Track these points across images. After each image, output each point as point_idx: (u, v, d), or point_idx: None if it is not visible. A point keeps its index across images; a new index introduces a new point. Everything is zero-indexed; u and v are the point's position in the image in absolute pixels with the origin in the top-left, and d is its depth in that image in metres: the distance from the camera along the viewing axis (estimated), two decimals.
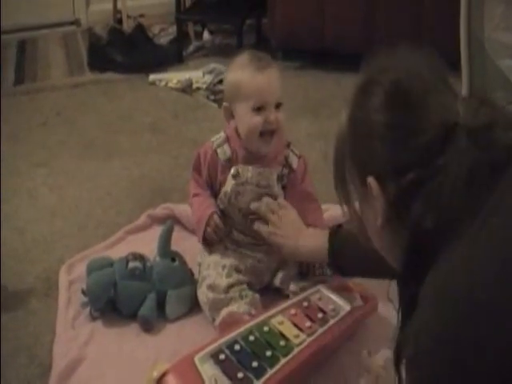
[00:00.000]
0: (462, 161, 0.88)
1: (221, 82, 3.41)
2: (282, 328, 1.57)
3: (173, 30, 4.04)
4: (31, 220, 2.27)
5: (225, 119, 1.81)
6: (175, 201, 2.29)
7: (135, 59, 3.67)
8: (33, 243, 2.13)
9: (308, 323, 1.59)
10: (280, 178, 1.80)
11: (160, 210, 2.22)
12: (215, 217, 1.78)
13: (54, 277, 1.95)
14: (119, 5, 4.21)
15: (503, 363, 0.77)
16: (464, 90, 2.32)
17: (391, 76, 0.97)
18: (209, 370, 1.42)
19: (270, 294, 1.80)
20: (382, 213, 0.96)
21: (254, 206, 1.77)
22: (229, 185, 1.77)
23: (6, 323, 1.78)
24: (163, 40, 4.08)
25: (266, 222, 1.77)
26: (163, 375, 1.39)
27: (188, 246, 1.98)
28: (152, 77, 3.55)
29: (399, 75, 0.97)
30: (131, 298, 1.76)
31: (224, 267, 1.76)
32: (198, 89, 3.39)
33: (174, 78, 3.50)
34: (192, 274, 1.85)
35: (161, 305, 1.76)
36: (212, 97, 3.30)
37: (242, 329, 1.54)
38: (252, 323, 1.57)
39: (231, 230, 1.83)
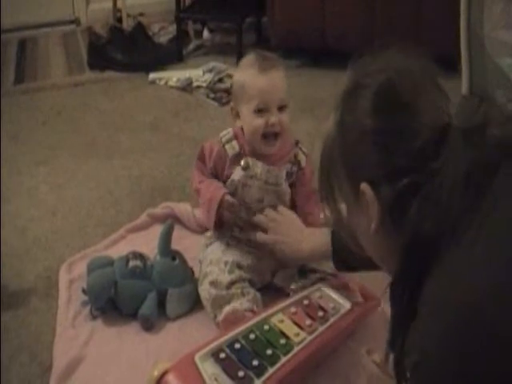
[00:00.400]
0: (457, 163, 0.87)
1: (221, 80, 3.42)
2: (282, 326, 1.57)
3: (173, 28, 4.03)
4: (32, 219, 2.27)
5: (232, 118, 1.82)
6: (175, 199, 2.29)
7: (135, 58, 3.68)
8: (33, 242, 2.13)
9: (308, 321, 1.59)
10: (289, 175, 1.81)
11: (160, 209, 2.22)
12: (228, 196, 1.76)
13: (54, 276, 1.95)
14: (119, 3, 4.21)
15: (509, 368, 0.77)
16: (464, 89, 2.32)
17: (379, 78, 0.95)
18: (209, 369, 1.42)
19: (270, 292, 1.80)
20: (376, 218, 0.95)
21: (256, 219, 1.78)
22: (237, 174, 1.77)
23: (7, 322, 1.78)
24: (163, 39, 4.08)
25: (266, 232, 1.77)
26: (164, 374, 1.39)
27: (188, 244, 1.99)
28: (152, 75, 3.55)
29: (388, 77, 0.94)
30: (132, 297, 1.76)
31: (226, 263, 1.76)
32: (198, 87, 3.39)
33: (173, 76, 3.50)
34: (192, 273, 1.85)
35: (161, 304, 1.76)
36: (212, 95, 3.30)
37: (242, 327, 1.55)
38: (252, 322, 1.57)
39: (232, 228, 1.83)
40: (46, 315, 1.81)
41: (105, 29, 4.09)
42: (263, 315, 1.60)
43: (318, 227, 1.77)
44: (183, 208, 2.17)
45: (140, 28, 3.87)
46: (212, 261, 1.79)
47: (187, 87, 3.40)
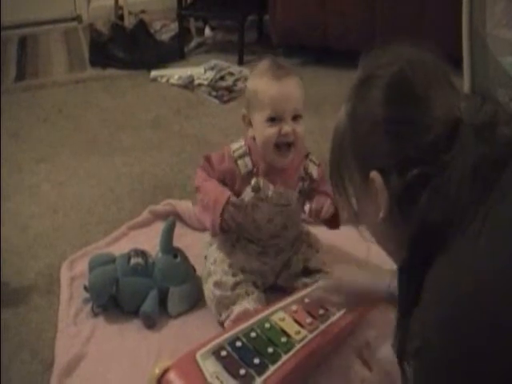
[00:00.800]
0: (467, 157, 0.88)
1: (222, 78, 3.42)
2: (283, 324, 1.57)
3: (174, 26, 4.03)
4: (33, 216, 2.27)
5: (244, 127, 1.76)
6: (177, 197, 2.29)
7: (137, 55, 3.67)
8: (34, 239, 2.13)
9: (309, 319, 1.59)
10: (302, 192, 1.77)
11: (162, 207, 2.22)
12: (234, 198, 1.69)
13: (55, 273, 1.95)
14: (120, 1, 4.21)
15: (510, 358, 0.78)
16: (466, 87, 2.32)
17: (392, 69, 0.96)
18: (210, 367, 1.42)
19: (274, 293, 1.79)
20: (385, 207, 0.96)
21: (312, 296, 1.61)
22: (247, 195, 1.73)
23: (8, 319, 1.78)
24: (165, 36, 4.07)
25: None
26: (165, 372, 1.39)
27: (190, 242, 1.99)
28: (153, 73, 3.55)
29: (400, 68, 0.95)
30: (133, 295, 1.76)
31: (230, 266, 1.75)
32: (200, 85, 3.38)
33: (175, 74, 3.50)
34: (194, 271, 1.85)
35: (163, 301, 1.77)
36: (214, 93, 3.29)
37: (243, 325, 1.55)
38: (253, 320, 1.57)
39: (240, 238, 1.80)
40: (47, 312, 1.81)
41: (106, 26, 4.09)
42: (264, 313, 1.60)
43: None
44: (185, 205, 2.17)
45: (142, 25, 3.87)
46: (216, 260, 1.78)
47: (189, 85, 3.40)
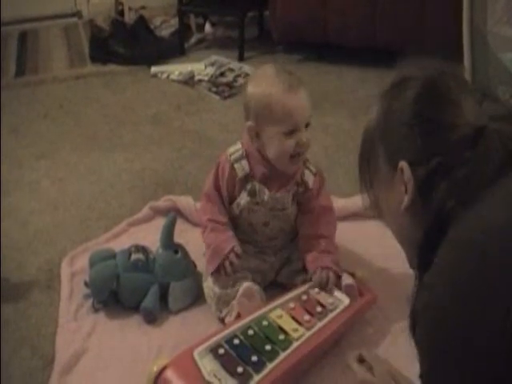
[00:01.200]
0: (489, 158, 0.96)
1: (222, 74, 3.42)
2: (280, 322, 1.57)
3: (174, 22, 4.04)
4: (33, 212, 2.27)
5: (247, 138, 1.72)
6: (177, 193, 2.29)
7: (137, 51, 3.68)
8: (35, 235, 2.14)
9: (307, 317, 1.60)
10: (295, 195, 1.76)
11: (162, 202, 2.22)
12: (237, 248, 1.70)
13: (56, 269, 1.95)
14: None
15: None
16: None
17: (427, 72, 1.05)
18: (208, 365, 1.43)
19: (274, 289, 1.79)
20: (410, 195, 1.03)
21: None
22: (243, 198, 1.73)
23: (8, 315, 1.78)
24: (165, 32, 4.08)
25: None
26: (163, 370, 1.40)
27: (191, 237, 1.98)
28: (154, 69, 3.55)
29: (435, 73, 1.05)
30: (134, 290, 1.76)
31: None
32: (200, 81, 3.39)
33: (175, 70, 3.50)
34: (195, 266, 1.85)
35: (163, 297, 1.77)
36: (214, 89, 3.30)
37: (240, 323, 1.55)
38: (251, 317, 1.57)
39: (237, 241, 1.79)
40: (48, 308, 1.81)
41: (107, 22, 4.08)
42: (262, 311, 1.60)
43: (330, 238, 1.76)
44: (185, 201, 2.17)
45: (142, 21, 3.87)
46: None
47: (189, 81, 3.40)
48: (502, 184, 0.94)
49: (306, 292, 1.68)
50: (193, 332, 1.66)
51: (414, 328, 0.96)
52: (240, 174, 1.72)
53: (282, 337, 1.53)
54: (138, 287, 1.76)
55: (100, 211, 2.26)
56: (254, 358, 1.45)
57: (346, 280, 1.69)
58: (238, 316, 1.63)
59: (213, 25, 4.17)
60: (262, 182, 1.72)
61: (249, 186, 1.72)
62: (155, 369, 1.40)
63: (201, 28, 4.15)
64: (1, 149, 2.62)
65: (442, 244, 0.93)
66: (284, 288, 1.77)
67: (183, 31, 3.87)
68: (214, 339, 1.49)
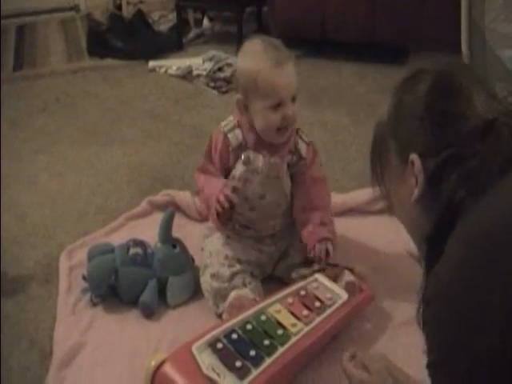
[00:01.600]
0: (499, 150, 0.98)
1: (220, 69, 3.41)
2: (279, 317, 1.58)
3: (173, 16, 4.04)
4: (32, 206, 2.27)
5: (237, 111, 1.75)
6: (175, 187, 2.29)
7: (135, 46, 3.68)
8: (33, 229, 2.14)
9: (305, 312, 1.60)
10: (290, 166, 1.79)
11: (161, 197, 2.22)
12: (225, 189, 1.70)
13: (54, 263, 1.95)
14: None
15: None
16: None
17: (440, 67, 1.08)
18: (206, 359, 1.43)
19: (271, 283, 1.80)
20: (420, 187, 1.05)
21: (347, 371, 1.40)
22: (238, 169, 1.75)
23: (7, 309, 1.79)
24: (163, 27, 4.08)
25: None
26: (161, 365, 1.40)
27: (189, 232, 1.99)
28: (152, 63, 3.55)
29: (447, 67, 1.08)
30: (132, 285, 1.76)
31: (226, 257, 1.77)
32: (198, 76, 3.38)
33: (173, 64, 3.50)
34: (193, 261, 1.86)
35: (162, 291, 1.77)
36: (212, 84, 3.30)
37: (239, 318, 1.55)
38: (249, 312, 1.57)
39: (234, 225, 1.81)
40: (46, 302, 1.81)
41: (104, 16, 4.09)
42: (260, 305, 1.60)
43: (325, 209, 1.78)
44: (183, 196, 2.17)
45: (140, 16, 3.87)
46: (212, 253, 1.79)
47: (187, 75, 3.40)
48: (511, 177, 0.95)
49: (304, 287, 1.68)
50: (191, 326, 1.66)
51: (422, 318, 0.96)
52: (234, 142, 1.75)
53: (280, 332, 1.53)
54: (136, 281, 1.76)
55: (98, 205, 2.26)
56: (253, 353, 1.45)
57: (347, 277, 1.69)
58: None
59: (211, 20, 4.17)
60: (255, 150, 1.75)
61: (243, 156, 1.74)
62: (153, 363, 1.40)
63: (199, 23, 4.15)
64: (0, 143, 2.62)
65: (451, 236, 0.94)
66: (281, 282, 1.78)
67: (181, 26, 3.88)
68: (213, 334, 1.49)
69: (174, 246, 1.82)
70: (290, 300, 1.63)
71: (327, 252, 1.72)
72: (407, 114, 1.07)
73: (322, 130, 2.72)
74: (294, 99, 1.69)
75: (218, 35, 4.04)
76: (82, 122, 2.92)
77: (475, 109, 1.01)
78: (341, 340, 1.64)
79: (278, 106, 1.66)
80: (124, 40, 3.69)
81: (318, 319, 1.58)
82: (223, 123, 1.78)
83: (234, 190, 1.72)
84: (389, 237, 1.96)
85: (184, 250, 1.84)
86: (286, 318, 1.57)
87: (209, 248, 1.82)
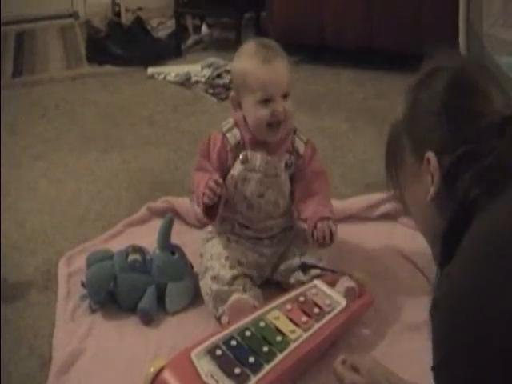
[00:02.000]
0: None
1: (219, 75, 3.42)
2: (278, 323, 1.58)
3: (171, 23, 4.04)
4: (31, 212, 2.27)
5: (232, 108, 1.81)
6: (174, 194, 2.29)
7: (134, 52, 3.68)
8: (32, 235, 2.14)
9: (304, 318, 1.60)
10: (288, 165, 1.80)
11: (160, 204, 2.22)
12: (215, 176, 1.72)
13: (53, 269, 1.95)
14: None
15: None
16: None
17: (456, 64, 1.08)
18: (205, 366, 1.43)
19: (270, 288, 1.81)
20: (436, 185, 1.04)
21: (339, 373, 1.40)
22: (236, 169, 1.77)
23: (6, 315, 1.78)
24: (162, 33, 4.08)
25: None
26: (160, 371, 1.40)
27: (188, 239, 1.99)
28: (150, 70, 3.55)
29: (464, 64, 1.09)
30: (131, 291, 1.76)
31: (227, 259, 1.77)
32: (197, 82, 3.39)
33: (172, 71, 3.50)
34: (192, 267, 1.86)
35: (161, 298, 1.77)
36: (211, 90, 3.30)
37: (238, 324, 1.55)
38: (248, 319, 1.58)
39: (234, 224, 1.83)
40: (45, 308, 1.81)
41: (103, 23, 4.09)
42: (259, 312, 1.60)
43: (328, 207, 1.77)
44: (182, 202, 2.17)
45: (139, 22, 3.87)
46: (213, 256, 1.79)
47: (186, 82, 3.40)
48: None
49: (302, 293, 1.68)
50: (190, 333, 1.66)
51: (431, 317, 0.96)
52: (232, 142, 1.78)
53: (279, 338, 1.53)
54: (134, 288, 1.76)
55: (97, 212, 2.26)
56: (252, 360, 1.45)
57: (347, 283, 1.70)
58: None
59: (209, 26, 4.17)
60: (253, 149, 1.78)
61: (241, 155, 1.77)
62: (152, 370, 1.40)
63: (197, 29, 4.15)
64: (0, 149, 2.62)
65: (465, 235, 0.94)
66: (280, 287, 1.78)
67: (180, 32, 3.88)
68: (212, 340, 1.49)
69: (173, 253, 1.82)
70: (288, 306, 1.63)
71: (331, 233, 1.72)
72: (423, 110, 1.07)
73: (321, 136, 2.72)
74: (285, 96, 1.72)
75: (217, 42, 4.04)
76: (81, 129, 2.92)
77: (492, 105, 1.01)
78: (340, 346, 1.64)
79: (266, 101, 1.70)
80: (123, 47, 3.70)
81: (317, 326, 1.58)
82: (223, 124, 1.82)
83: (217, 183, 1.71)
84: (388, 243, 1.96)
85: (183, 256, 1.84)
86: (284, 325, 1.57)
87: (210, 251, 1.82)
